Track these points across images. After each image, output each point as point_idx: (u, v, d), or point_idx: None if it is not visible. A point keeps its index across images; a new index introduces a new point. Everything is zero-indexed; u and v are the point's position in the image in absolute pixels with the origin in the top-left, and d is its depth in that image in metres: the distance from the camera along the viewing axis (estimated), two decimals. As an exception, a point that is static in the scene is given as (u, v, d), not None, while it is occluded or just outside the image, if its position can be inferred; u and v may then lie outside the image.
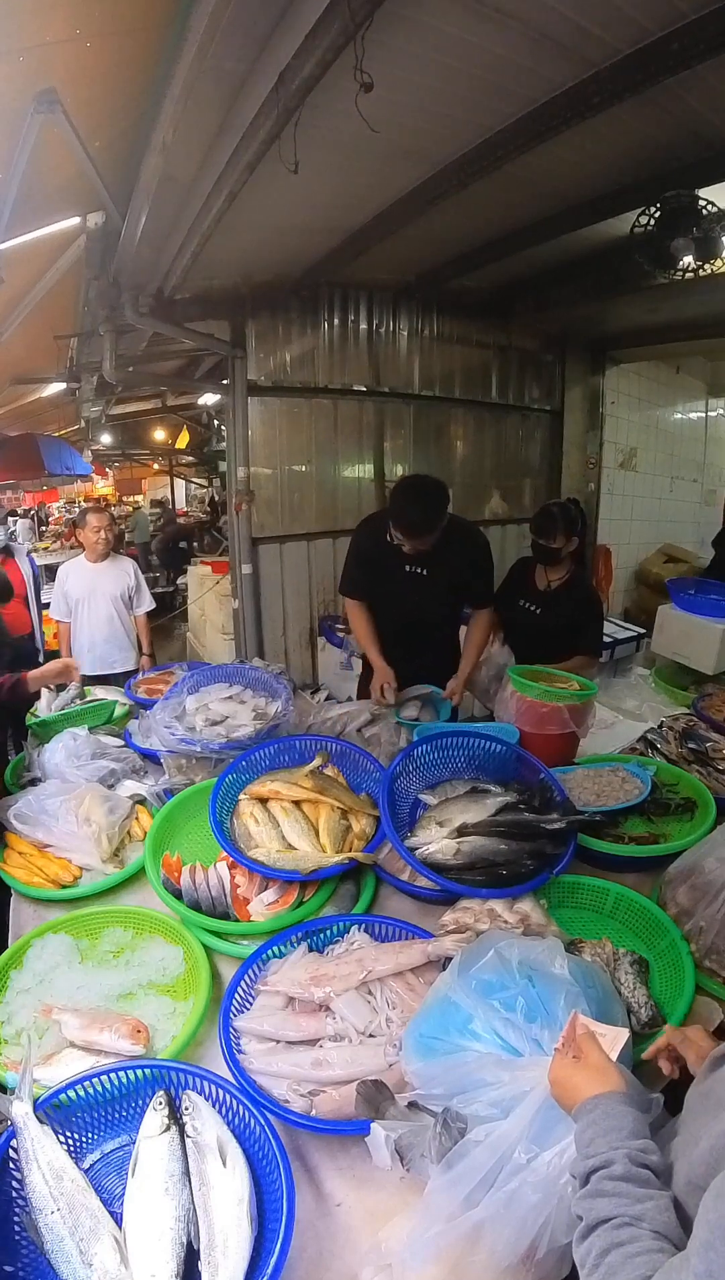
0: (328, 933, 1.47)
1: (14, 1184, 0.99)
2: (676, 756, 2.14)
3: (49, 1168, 0.98)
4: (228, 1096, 1.09)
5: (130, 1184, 0.99)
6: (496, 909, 1.46)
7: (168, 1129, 1.03)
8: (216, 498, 11.11)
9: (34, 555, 4.78)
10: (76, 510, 8.08)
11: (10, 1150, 1.00)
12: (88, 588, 3.74)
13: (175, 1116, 1.05)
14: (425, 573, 2.48)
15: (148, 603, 3.94)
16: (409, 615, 2.58)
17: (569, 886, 1.59)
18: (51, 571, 4.73)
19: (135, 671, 3.56)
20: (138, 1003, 1.38)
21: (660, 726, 2.30)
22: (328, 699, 2.75)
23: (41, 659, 4.06)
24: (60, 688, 2.70)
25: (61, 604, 3.76)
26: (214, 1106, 1.08)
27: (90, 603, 3.74)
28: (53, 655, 4.06)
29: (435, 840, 1.58)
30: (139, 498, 15.94)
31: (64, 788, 1.95)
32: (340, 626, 4.72)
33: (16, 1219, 0.97)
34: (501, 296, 5.09)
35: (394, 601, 2.56)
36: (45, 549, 8.75)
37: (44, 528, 11.04)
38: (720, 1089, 0.78)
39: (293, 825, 1.69)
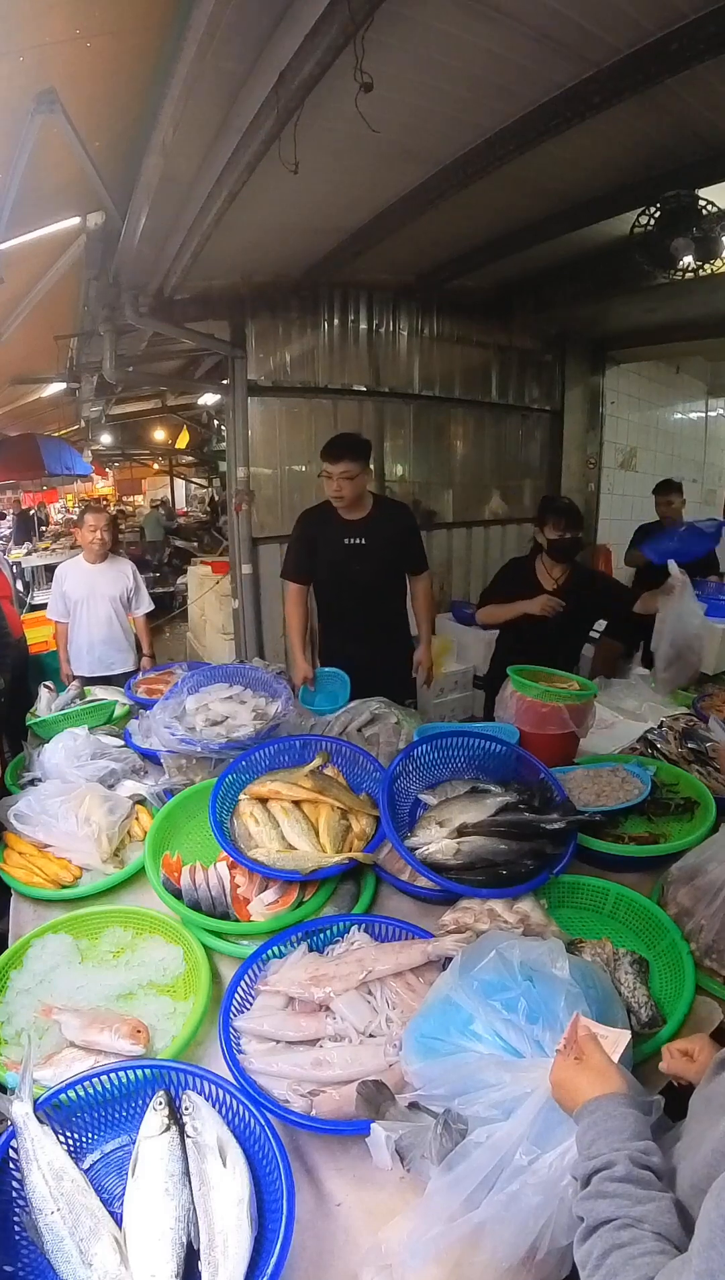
0: (328, 933, 1.47)
1: (14, 1184, 0.98)
2: (676, 756, 2.14)
3: (49, 1168, 0.98)
4: (228, 1096, 1.09)
5: (130, 1184, 0.99)
6: (496, 909, 1.45)
7: (168, 1129, 1.03)
8: (216, 498, 11.11)
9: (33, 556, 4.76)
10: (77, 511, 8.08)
11: (10, 1150, 1.00)
12: (86, 589, 3.71)
13: (175, 1116, 1.05)
14: (363, 542, 2.81)
15: (146, 604, 3.92)
16: (354, 580, 2.85)
17: (569, 886, 1.59)
18: (50, 572, 4.71)
19: (134, 672, 3.55)
20: (138, 1003, 1.38)
21: (660, 726, 2.29)
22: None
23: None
24: (60, 687, 2.69)
25: (60, 605, 3.73)
26: (214, 1106, 1.08)
27: (89, 604, 3.71)
28: (50, 657, 4.05)
29: (435, 840, 1.57)
30: (138, 497, 15.94)
31: (64, 788, 1.95)
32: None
33: (16, 1219, 0.96)
34: (501, 297, 5.09)
35: (338, 569, 2.86)
36: (45, 549, 8.76)
37: (43, 528, 11.04)
38: (723, 1092, 0.78)
39: (293, 825, 1.68)
